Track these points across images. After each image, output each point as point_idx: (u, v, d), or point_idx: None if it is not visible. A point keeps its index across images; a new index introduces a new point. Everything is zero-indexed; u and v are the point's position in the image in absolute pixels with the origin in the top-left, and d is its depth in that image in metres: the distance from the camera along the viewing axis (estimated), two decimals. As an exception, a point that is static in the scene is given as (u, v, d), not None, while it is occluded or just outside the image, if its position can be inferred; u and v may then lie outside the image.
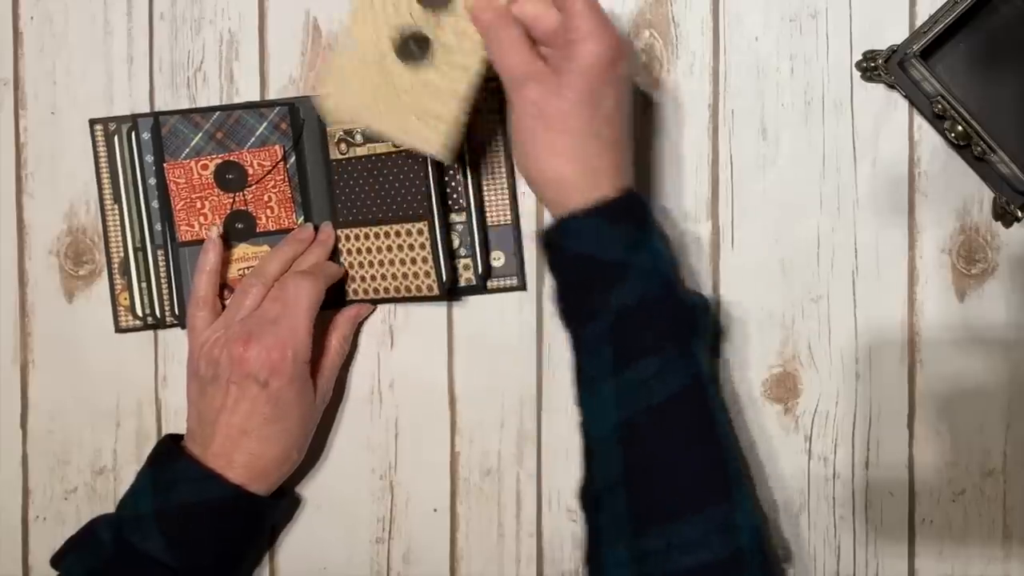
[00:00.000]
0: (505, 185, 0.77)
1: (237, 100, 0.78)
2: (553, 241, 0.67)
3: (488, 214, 0.77)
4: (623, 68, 0.65)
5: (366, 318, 0.78)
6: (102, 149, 0.78)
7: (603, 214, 0.65)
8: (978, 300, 0.76)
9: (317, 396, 0.74)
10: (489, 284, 0.77)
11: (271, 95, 0.78)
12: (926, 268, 0.76)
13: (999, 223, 0.75)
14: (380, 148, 0.75)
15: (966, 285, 0.76)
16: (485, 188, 0.77)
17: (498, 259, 0.77)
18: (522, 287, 0.77)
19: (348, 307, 0.77)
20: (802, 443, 0.77)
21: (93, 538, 0.72)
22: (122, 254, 0.78)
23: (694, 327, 0.67)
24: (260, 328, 0.71)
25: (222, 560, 0.72)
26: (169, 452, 0.74)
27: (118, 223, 0.78)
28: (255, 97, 0.78)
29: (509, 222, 0.77)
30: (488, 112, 0.76)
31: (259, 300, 0.73)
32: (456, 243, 0.76)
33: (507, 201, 0.77)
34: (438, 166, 0.75)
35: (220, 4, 0.78)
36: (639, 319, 0.65)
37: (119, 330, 0.78)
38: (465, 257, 0.76)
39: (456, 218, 0.76)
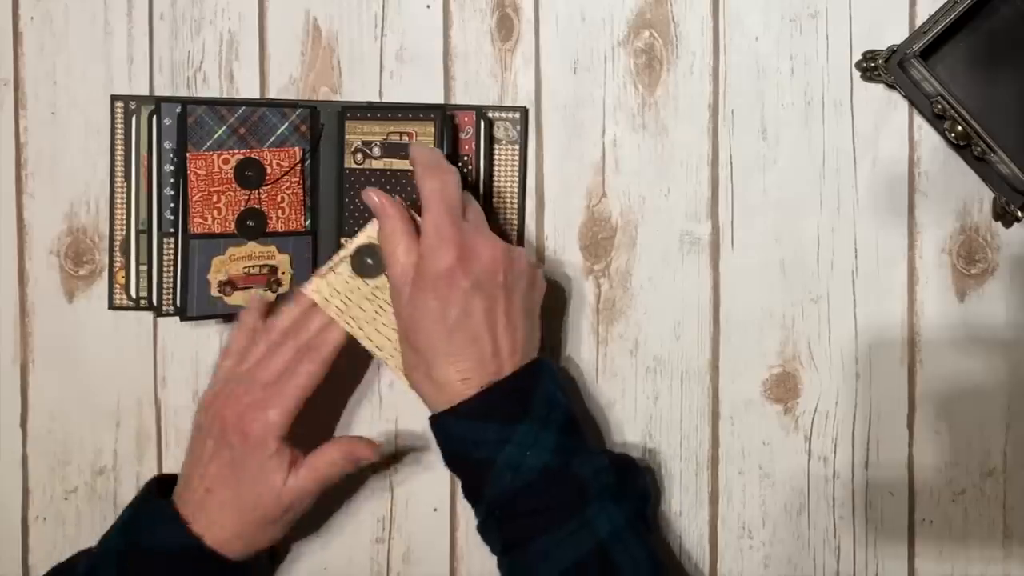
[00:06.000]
0: (515, 215, 0.77)
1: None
2: (433, 433, 0.69)
3: None
4: (466, 280, 0.66)
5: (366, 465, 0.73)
6: (120, 126, 0.78)
7: (466, 414, 0.66)
8: (978, 300, 0.76)
9: (289, 485, 0.69)
10: None
11: (271, 95, 0.78)
12: (926, 268, 0.76)
13: (999, 223, 0.75)
14: (396, 164, 0.75)
15: (966, 285, 0.76)
16: (495, 216, 0.77)
17: None
18: None
19: (356, 445, 0.72)
20: (802, 443, 0.77)
21: (72, 570, 0.71)
22: (124, 233, 0.78)
23: (587, 496, 0.66)
24: (250, 388, 0.70)
25: None
26: (151, 490, 0.72)
27: (125, 201, 0.78)
28: (255, 97, 0.78)
29: None
30: (507, 142, 0.77)
31: (262, 355, 0.71)
32: None
33: (515, 231, 0.77)
34: None
35: (220, 4, 0.78)
36: (514, 509, 0.66)
37: (112, 307, 0.78)
38: None
39: None
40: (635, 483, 0.70)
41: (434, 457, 0.78)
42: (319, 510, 0.79)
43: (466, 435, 0.67)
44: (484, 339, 0.67)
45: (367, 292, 0.69)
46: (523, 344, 0.69)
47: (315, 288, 0.69)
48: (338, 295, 0.69)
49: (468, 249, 0.67)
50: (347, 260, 0.69)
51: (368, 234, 0.70)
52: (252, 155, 0.76)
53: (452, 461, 0.69)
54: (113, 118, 0.78)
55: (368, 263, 0.70)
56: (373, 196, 0.69)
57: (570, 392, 0.74)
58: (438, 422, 0.68)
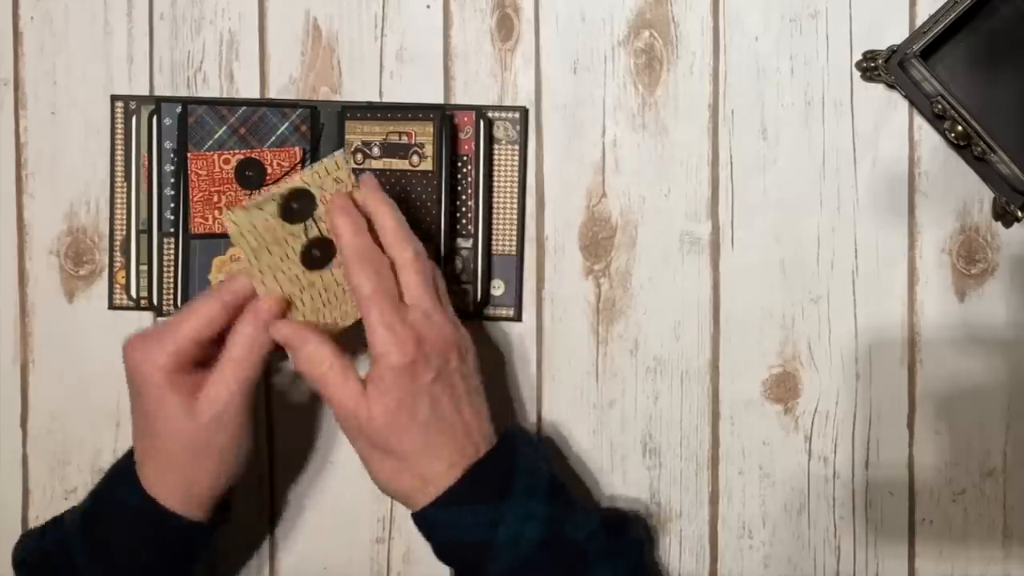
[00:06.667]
0: (514, 215, 0.77)
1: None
2: (420, 528, 0.67)
3: (494, 242, 0.77)
4: (428, 371, 0.64)
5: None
6: (120, 126, 0.78)
7: (453, 501, 0.65)
8: (978, 300, 0.76)
9: (200, 402, 0.66)
10: (486, 311, 0.77)
11: (271, 95, 0.78)
12: (926, 268, 0.76)
13: (999, 223, 0.75)
14: (396, 164, 0.75)
15: (966, 285, 0.76)
16: (494, 216, 0.77)
17: (498, 288, 0.77)
18: (518, 318, 0.77)
19: (256, 310, 0.67)
20: (802, 443, 0.77)
21: (41, 535, 0.71)
22: (124, 233, 0.78)
23: (584, 560, 0.66)
24: (145, 333, 0.68)
25: (124, 568, 0.68)
26: (126, 454, 0.72)
27: (125, 201, 0.78)
28: (255, 97, 0.78)
29: (513, 252, 0.77)
30: (507, 142, 0.77)
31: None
32: (459, 267, 0.76)
33: (514, 231, 0.77)
34: (451, 191, 0.75)
35: (220, 4, 0.78)
36: None
37: (112, 307, 0.78)
38: (465, 283, 0.77)
39: (462, 243, 0.76)
40: (628, 537, 0.70)
41: (434, 457, 0.78)
42: (320, 509, 0.79)
43: (456, 521, 0.65)
44: (457, 424, 0.66)
45: (281, 235, 0.67)
46: (487, 417, 0.68)
47: (235, 219, 0.66)
48: (254, 231, 0.67)
49: (422, 339, 0.64)
50: (277, 201, 0.67)
51: (303, 178, 0.67)
52: (253, 155, 0.76)
53: (444, 551, 0.67)
54: (113, 118, 0.78)
55: (293, 207, 0.67)
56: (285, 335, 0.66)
57: (548, 453, 0.74)
58: (424, 516, 0.65)
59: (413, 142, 0.75)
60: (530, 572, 0.65)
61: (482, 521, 0.65)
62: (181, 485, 0.67)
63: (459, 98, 0.77)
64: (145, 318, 0.79)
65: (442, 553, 0.67)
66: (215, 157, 0.76)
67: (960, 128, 0.70)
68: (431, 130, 0.75)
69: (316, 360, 0.65)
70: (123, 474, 0.69)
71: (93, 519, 0.69)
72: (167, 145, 0.77)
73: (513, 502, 0.65)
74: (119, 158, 0.78)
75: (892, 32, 0.75)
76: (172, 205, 0.77)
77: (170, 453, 0.67)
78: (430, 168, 0.75)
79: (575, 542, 0.66)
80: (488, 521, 0.65)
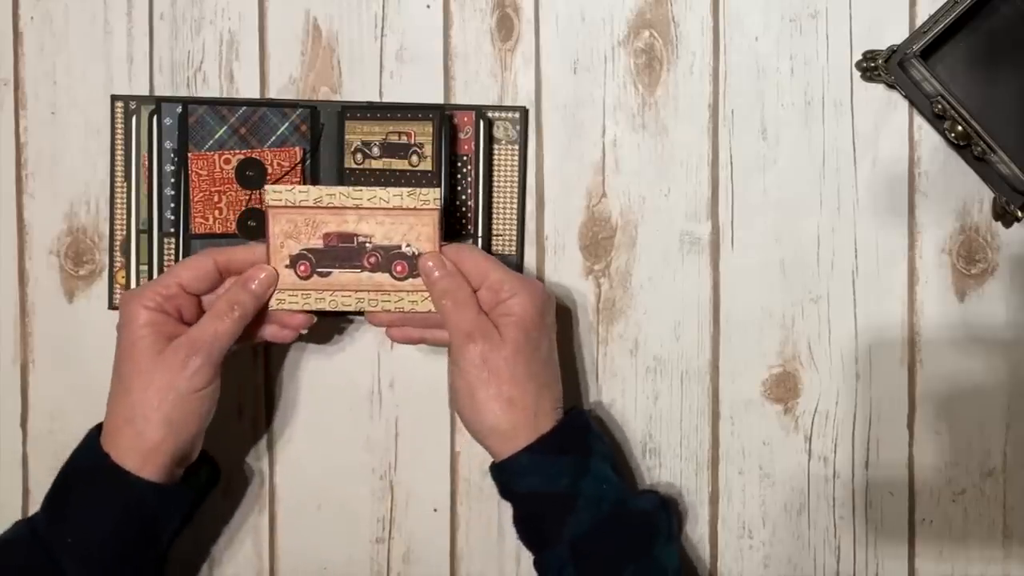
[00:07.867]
0: (514, 215, 0.77)
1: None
2: (502, 478, 0.69)
3: (494, 242, 0.77)
4: (551, 316, 0.71)
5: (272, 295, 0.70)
6: (120, 126, 0.78)
7: (545, 449, 0.67)
8: (978, 300, 0.76)
9: (170, 358, 0.66)
10: None
11: (271, 95, 0.78)
12: (926, 268, 0.76)
13: (999, 223, 0.75)
14: (396, 164, 0.75)
15: (966, 285, 0.76)
16: (494, 216, 0.77)
17: None
18: None
19: (260, 274, 0.69)
20: (802, 443, 0.77)
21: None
22: (124, 233, 0.78)
23: (654, 533, 0.69)
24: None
25: (83, 530, 0.66)
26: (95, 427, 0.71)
27: (125, 201, 0.78)
28: (255, 97, 0.78)
29: (513, 252, 0.77)
30: (507, 142, 0.77)
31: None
32: None
33: (514, 231, 0.77)
34: (451, 191, 0.75)
35: (220, 4, 0.78)
36: (594, 544, 0.67)
37: (112, 307, 0.78)
38: None
39: None
40: (675, 522, 0.72)
41: (434, 457, 0.78)
42: (320, 509, 0.79)
43: (543, 470, 0.67)
44: (557, 372, 0.71)
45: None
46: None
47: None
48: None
49: (543, 293, 0.70)
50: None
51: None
52: (253, 155, 0.76)
53: (527, 503, 0.69)
54: (113, 118, 0.78)
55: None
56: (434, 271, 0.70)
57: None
58: (509, 462, 0.68)
59: (413, 142, 0.75)
60: (605, 533, 0.67)
61: (569, 471, 0.67)
62: (134, 438, 0.66)
63: (459, 98, 0.77)
64: (145, 318, 0.79)
65: (525, 505, 0.68)
66: (216, 157, 0.76)
67: (960, 128, 0.70)
68: (431, 130, 0.75)
69: (451, 282, 0.69)
70: (87, 440, 0.69)
71: (55, 486, 0.69)
72: (167, 145, 0.77)
73: (594, 460, 0.69)
74: (119, 158, 0.78)
75: (892, 32, 0.75)
76: (172, 205, 0.77)
77: (129, 394, 0.66)
78: (430, 168, 0.75)
79: (646, 512, 0.69)
80: (575, 472, 0.67)
